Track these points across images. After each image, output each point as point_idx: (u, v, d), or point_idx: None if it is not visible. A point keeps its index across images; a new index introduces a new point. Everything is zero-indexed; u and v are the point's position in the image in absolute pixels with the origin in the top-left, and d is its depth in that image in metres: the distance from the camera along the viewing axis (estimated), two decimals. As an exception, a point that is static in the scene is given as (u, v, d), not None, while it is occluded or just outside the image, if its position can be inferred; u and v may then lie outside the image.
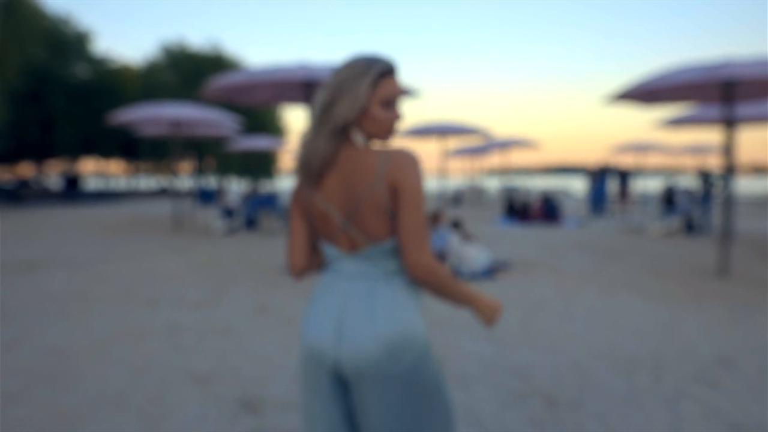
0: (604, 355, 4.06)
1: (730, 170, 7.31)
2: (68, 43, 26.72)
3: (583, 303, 5.65)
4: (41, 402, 3.21)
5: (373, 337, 1.46)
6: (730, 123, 7.25)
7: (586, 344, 4.30)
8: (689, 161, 25.31)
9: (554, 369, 3.76)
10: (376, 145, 1.56)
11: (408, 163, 1.45)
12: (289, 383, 3.50)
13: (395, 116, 1.54)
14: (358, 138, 1.51)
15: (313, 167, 1.52)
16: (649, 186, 26.72)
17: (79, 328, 4.67)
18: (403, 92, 1.59)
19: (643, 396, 3.32)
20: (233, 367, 3.80)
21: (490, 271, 7.07)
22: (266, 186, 31.18)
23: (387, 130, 1.53)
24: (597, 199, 16.73)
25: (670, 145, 21.21)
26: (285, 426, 2.93)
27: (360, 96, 1.48)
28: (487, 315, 1.61)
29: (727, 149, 7.24)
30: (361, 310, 1.49)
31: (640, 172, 24.28)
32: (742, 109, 10.28)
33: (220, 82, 7.56)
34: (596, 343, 4.34)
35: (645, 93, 7.71)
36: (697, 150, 21.50)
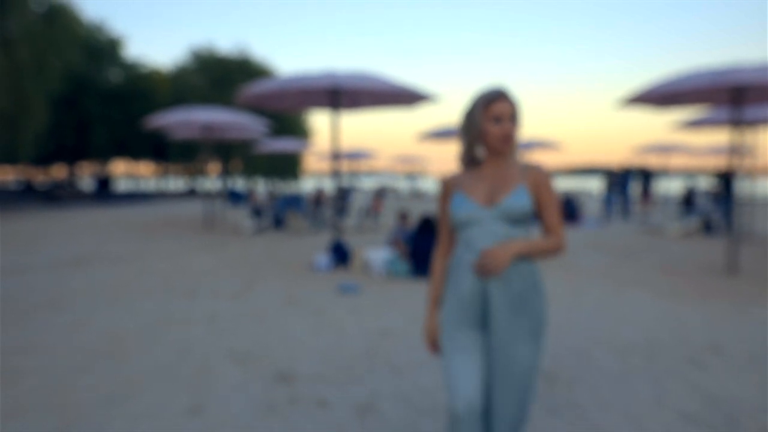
0: (603, 341, 4.42)
1: (739, 172, 7.57)
2: (102, 49, 27.73)
3: (592, 297, 5.99)
4: (104, 373, 3.71)
5: None
6: (738, 125, 7.52)
7: (589, 332, 4.67)
8: (713, 162, 25.19)
9: (556, 352, 4.14)
10: (491, 153, 1.97)
11: None
12: (318, 361, 3.94)
13: (502, 129, 1.91)
14: (478, 151, 1.98)
15: None
16: (672, 187, 26.63)
17: (129, 315, 5.19)
18: (507, 109, 1.92)
19: (634, 375, 3.69)
20: (267, 347, 4.26)
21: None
22: (291, 187, 31.82)
23: (498, 140, 1.92)
24: (611, 201, 16.81)
25: (694, 146, 21.21)
26: (315, 394, 3.37)
27: (476, 119, 1.93)
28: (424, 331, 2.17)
29: (736, 151, 7.51)
30: None
31: (664, 173, 24.22)
32: (760, 111, 10.44)
33: (253, 89, 8.06)
34: (598, 331, 4.71)
35: (657, 97, 7.98)
36: (721, 151, 21.44)
